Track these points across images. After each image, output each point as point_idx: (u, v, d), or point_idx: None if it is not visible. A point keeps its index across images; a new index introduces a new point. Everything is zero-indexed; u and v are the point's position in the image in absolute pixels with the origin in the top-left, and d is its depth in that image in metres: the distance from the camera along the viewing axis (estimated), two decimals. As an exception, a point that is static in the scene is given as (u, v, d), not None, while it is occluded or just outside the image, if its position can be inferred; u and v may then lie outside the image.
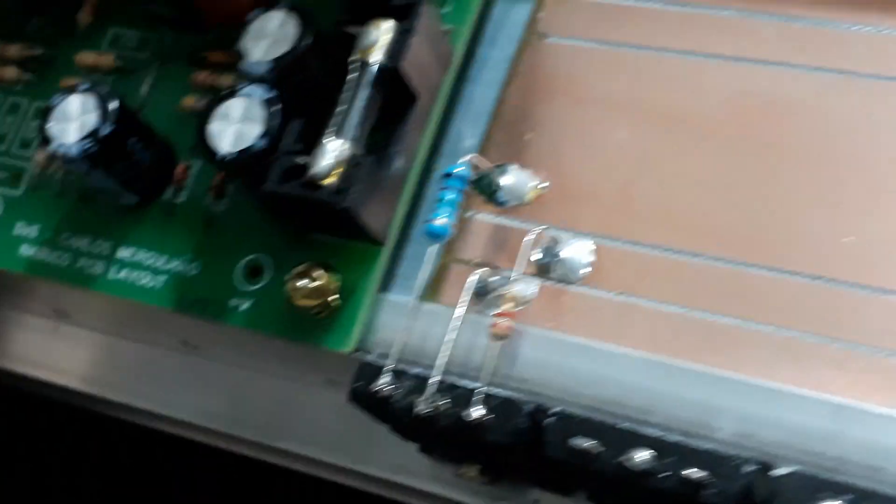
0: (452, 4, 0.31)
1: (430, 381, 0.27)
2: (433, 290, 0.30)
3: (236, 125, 0.28)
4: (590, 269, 0.29)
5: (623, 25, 0.31)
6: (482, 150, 0.31)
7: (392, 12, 0.28)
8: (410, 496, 0.35)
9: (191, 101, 0.32)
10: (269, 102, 0.28)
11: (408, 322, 0.28)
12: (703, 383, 0.26)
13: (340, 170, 0.27)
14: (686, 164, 0.29)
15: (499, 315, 0.27)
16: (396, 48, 0.28)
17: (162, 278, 0.31)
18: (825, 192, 0.28)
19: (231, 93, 0.28)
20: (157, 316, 0.32)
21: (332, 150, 0.27)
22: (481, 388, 0.27)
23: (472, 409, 0.27)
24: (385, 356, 0.28)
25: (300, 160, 0.27)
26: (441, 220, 0.29)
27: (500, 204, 0.30)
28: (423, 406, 0.27)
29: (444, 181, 0.29)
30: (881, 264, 0.27)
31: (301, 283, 0.28)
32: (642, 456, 0.25)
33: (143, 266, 0.31)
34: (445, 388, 0.27)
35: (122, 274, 0.31)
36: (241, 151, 0.28)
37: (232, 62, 0.29)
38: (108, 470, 0.43)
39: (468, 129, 0.32)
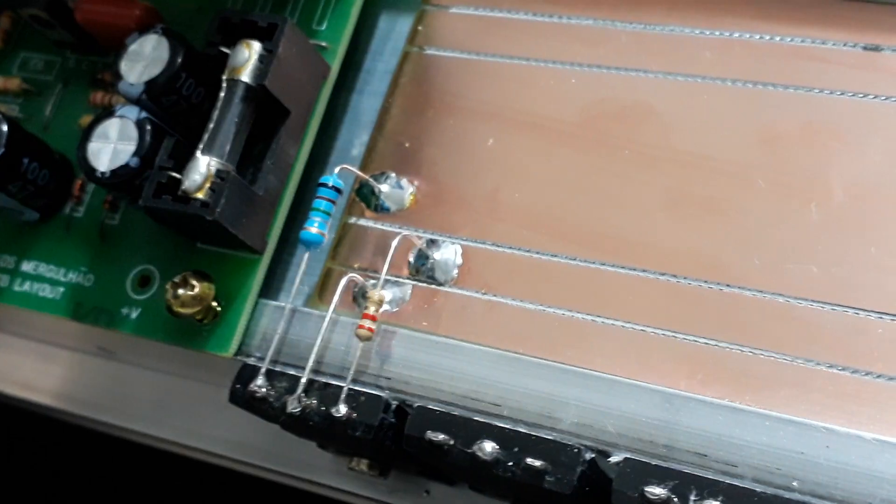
0: (327, 23, 0.32)
1: (301, 380, 0.29)
2: (320, 294, 0.32)
3: (113, 144, 0.30)
4: (458, 271, 0.31)
5: (494, 36, 0.33)
6: (366, 159, 0.33)
7: (258, 33, 0.30)
8: (319, 489, 0.37)
9: (87, 120, 0.34)
10: (140, 123, 0.30)
11: (284, 325, 0.30)
12: (549, 376, 0.27)
13: (208, 184, 0.29)
14: (547, 169, 0.31)
15: (364, 317, 0.29)
16: (263, 67, 0.29)
17: (61, 290, 0.32)
18: (676, 193, 0.29)
19: (108, 114, 0.30)
20: (74, 324, 0.34)
21: (203, 166, 0.29)
22: (346, 386, 0.29)
23: (338, 406, 0.28)
24: (263, 359, 0.30)
25: (174, 175, 0.29)
26: (313, 229, 0.30)
27: (380, 211, 0.32)
28: (292, 405, 0.29)
29: (318, 190, 0.31)
30: (725, 262, 0.28)
31: (179, 291, 0.30)
32: (490, 447, 0.27)
33: (45, 278, 0.33)
34: (316, 387, 0.29)
35: (26, 286, 0.33)
36: (116, 169, 0.29)
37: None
38: (34, 467, 0.45)
39: (354, 139, 0.34)
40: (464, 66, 0.33)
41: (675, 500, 0.25)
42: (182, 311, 0.29)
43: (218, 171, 0.29)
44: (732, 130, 0.29)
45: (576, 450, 0.26)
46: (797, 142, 0.29)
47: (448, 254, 0.31)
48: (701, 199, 0.29)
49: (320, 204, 0.30)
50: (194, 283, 0.29)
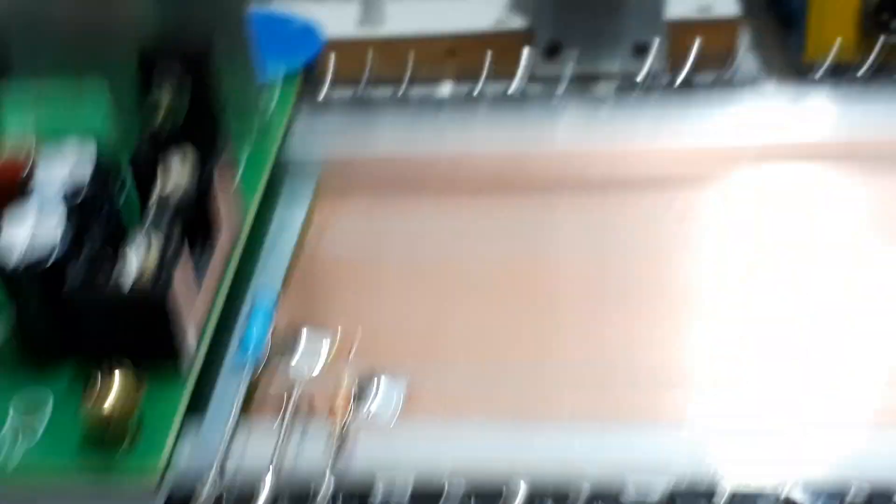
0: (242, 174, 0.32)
1: (266, 477, 0.24)
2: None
3: (31, 232, 0.26)
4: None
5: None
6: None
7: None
8: None
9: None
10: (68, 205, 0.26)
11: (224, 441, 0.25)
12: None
13: (153, 266, 0.25)
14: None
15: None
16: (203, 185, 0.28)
17: None
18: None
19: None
20: None
21: (143, 244, 0.26)
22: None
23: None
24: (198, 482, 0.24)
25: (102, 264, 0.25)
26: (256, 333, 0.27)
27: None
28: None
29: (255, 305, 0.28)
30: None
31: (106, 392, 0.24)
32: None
33: None
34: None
35: None
36: (37, 260, 0.25)
37: None
38: None
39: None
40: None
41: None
42: (111, 413, 0.24)
43: (161, 249, 0.25)
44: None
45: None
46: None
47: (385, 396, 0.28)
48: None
49: (258, 316, 0.28)
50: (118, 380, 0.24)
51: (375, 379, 0.28)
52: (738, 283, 0.31)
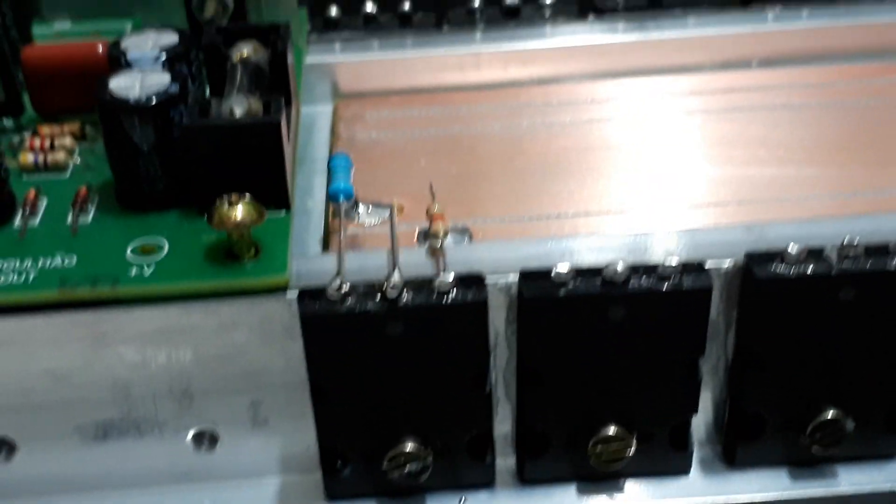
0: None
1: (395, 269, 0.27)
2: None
3: (138, 83, 0.28)
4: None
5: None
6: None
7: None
8: None
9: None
10: (170, 62, 0.29)
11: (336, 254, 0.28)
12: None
13: (259, 109, 0.28)
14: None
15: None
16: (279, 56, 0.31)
17: (30, 274, 0.27)
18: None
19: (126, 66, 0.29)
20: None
21: (242, 100, 0.28)
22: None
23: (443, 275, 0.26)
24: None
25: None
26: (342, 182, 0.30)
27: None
28: (394, 281, 0.26)
29: (334, 160, 0.31)
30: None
31: (236, 205, 0.27)
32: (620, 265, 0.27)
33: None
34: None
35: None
36: (155, 94, 0.27)
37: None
38: None
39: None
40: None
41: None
42: (239, 218, 0.26)
43: (261, 102, 0.28)
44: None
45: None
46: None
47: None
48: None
49: (339, 166, 0.30)
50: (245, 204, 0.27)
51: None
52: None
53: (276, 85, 0.31)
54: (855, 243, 0.27)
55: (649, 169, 0.35)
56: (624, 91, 0.39)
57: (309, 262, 0.29)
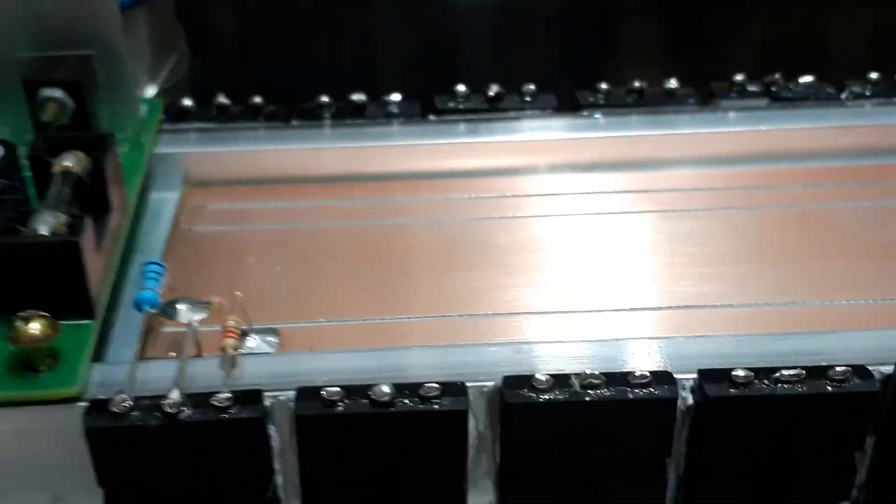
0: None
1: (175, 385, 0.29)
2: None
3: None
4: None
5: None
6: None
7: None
8: None
9: None
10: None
11: (128, 370, 0.30)
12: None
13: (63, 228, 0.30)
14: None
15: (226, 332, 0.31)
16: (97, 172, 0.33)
17: None
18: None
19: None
20: None
21: (50, 215, 0.30)
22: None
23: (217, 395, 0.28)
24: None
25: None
26: (149, 290, 0.32)
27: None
28: (172, 398, 0.28)
29: (147, 266, 0.33)
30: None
31: (30, 323, 0.29)
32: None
33: None
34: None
35: None
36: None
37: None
38: None
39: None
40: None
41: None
42: (34, 335, 0.28)
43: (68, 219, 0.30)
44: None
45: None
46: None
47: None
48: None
49: (151, 274, 0.32)
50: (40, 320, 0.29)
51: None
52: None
53: (95, 195, 0.33)
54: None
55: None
56: (485, 188, 0.41)
57: (113, 371, 0.30)
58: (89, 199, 0.33)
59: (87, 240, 0.30)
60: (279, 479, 0.30)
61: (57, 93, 0.36)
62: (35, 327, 0.29)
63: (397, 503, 0.30)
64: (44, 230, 0.30)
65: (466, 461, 0.30)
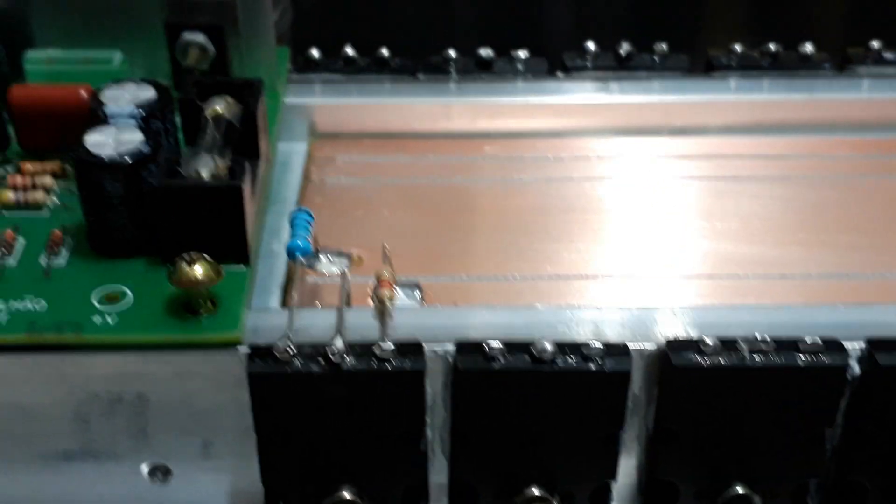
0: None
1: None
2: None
3: (113, 141, 0.30)
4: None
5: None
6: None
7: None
8: None
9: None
10: (145, 119, 0.31)
11: (287, 315, 0.30)
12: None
13: (224, 171, 0.30)
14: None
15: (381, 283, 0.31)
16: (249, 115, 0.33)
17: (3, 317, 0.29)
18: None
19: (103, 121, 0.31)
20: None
21: (209, 159, 0.30)
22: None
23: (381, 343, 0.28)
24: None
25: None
26: (302, 237, 0.32)
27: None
28: (337, 344, 0.28)
29: (296, 215, 0.33)
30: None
31: (195, 265, 0.28)
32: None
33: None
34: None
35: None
36: (128, 154, 0.29)
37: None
38: None
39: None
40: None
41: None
42: (197, 277, 0.28)
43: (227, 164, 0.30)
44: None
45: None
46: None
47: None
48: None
49: (300, 221, 0.32)
50: (204, 263, 0.29)
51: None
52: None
53: (245, 141, 0.33)
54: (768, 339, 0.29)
55: (625, 233, 0.36)
56: (608, 150, 0.40)
57: (264, 317, 0.30)
58: (238, 145, 0.32)
59: (248, 185, 0.30)
60: (428, 434, 0.30)
61: (199, 37, 0.36)
62: (199, 270, 0.29)
63: (547, 462, 0.30)
64: (205, 174, 0.30)
65: (623, 423, 0.29)
